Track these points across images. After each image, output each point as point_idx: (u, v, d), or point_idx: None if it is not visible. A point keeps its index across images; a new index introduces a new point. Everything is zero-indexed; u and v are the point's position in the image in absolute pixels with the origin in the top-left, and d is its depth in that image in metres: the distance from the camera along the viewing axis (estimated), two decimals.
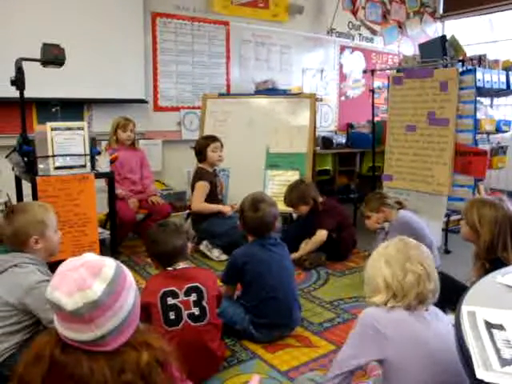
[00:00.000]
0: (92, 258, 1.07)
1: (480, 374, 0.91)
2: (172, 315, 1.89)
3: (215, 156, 3.70)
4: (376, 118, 4.97)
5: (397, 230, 2.90)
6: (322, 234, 3.41)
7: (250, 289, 2.34)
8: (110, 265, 1.06)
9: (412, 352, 1.32)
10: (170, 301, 1.90)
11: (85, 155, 2.85)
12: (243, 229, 2.48)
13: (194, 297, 1.93)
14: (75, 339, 1.01)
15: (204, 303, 1.94)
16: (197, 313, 1.92)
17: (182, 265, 2.02)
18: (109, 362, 1.02)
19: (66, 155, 2.80)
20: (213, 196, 3.69)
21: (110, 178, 3.07)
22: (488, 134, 4.15)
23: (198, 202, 3.62)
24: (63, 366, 1.00)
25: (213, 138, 3.74)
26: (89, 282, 1.00)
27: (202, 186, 3.62)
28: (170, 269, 2.01)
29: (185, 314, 1.90)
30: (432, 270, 1.42)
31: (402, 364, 1.32)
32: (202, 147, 3.72)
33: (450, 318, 1.41)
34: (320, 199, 3.58)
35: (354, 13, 6.14)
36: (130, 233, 3.81)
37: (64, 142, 2.78)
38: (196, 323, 1.92)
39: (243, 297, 2.39)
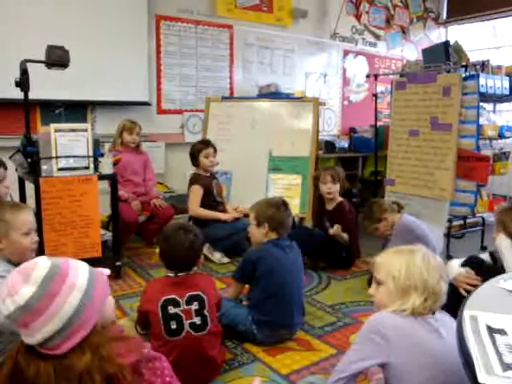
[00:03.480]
0: (30, 261, 1.03)
1: (482, 378, 0.91)
2: (173, 324, 1.86)
3: (207, 162, 3.72)
4: (379, 123, 4.99)
5: (400, 235, 2.88)
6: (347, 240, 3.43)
7: (258, 284, 2.32)
8: (42, 266, 1.01)
9: (415, 357, 1.32)
10: (171, 310, 1.86)
11: (88, 157, 2.87)
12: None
13: (195, 305, 1.90)
14: (28, 343, 1.00)
15: (205, 312, 1.91)
16: (198, 322, 1.89)
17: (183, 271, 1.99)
18: (56, 365, 0.99)
19: (70, 157, 2.81)
20: (209, 199, 3.69)
21: (112, 179, 3.07)
22: (490, 139, 4.15)
23: (194, 206, 3.63)
24: (20, 369, 0.99)
25: (206, 144, 3.76)
26: (17, 287, 0.98)
27: (195, 190, 3.65)
28: (171, 275, 1.98)
29: (186, 323, 1.87)
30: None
31: (405, 368, 1.32)
32: (194, 153, 3.75)
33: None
34: (340, 199, 3.60)
35: (358, 17, 6.16)
36: (132, 235, 3.81)
37: (67, 143, 2.80)
38: (197, 333, 1.88)
39: (250, 293, 2.39)
